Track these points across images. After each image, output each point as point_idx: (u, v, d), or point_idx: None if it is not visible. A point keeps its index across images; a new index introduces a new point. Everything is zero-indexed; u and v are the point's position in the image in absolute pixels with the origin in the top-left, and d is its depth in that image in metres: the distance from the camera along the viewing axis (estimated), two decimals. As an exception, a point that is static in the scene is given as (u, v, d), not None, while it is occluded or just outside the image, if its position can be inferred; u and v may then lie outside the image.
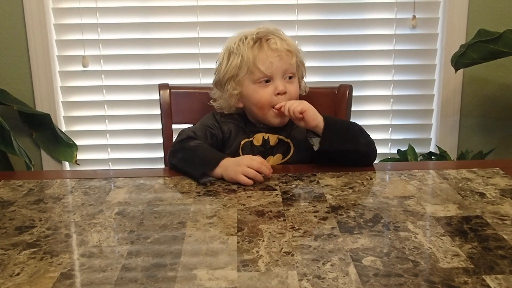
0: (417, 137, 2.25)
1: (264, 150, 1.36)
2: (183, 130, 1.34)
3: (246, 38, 1.34)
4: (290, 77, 1.34)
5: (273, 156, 1.36)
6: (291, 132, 1.36)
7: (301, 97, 1.43)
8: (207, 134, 1.34)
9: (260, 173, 1.16)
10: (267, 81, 1.32)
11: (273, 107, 1.31)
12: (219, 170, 1.18)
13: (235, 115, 1.41)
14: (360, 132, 1.27)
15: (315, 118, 1.23)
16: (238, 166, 1.16)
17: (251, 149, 1.35)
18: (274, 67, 1.30)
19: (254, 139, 1.36)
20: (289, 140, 1.36)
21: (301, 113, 1.23)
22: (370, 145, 1.28)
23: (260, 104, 1.33)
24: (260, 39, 1.33)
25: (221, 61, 1.37)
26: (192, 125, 1.42)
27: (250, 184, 1.14)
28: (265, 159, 1.35)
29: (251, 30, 1.37)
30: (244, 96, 1.35)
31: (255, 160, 1.16)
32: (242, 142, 1.36)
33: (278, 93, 1.31)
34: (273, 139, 1.36)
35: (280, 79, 1.32)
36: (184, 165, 1.23)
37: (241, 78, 1.33)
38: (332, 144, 1.23)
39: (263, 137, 1.36)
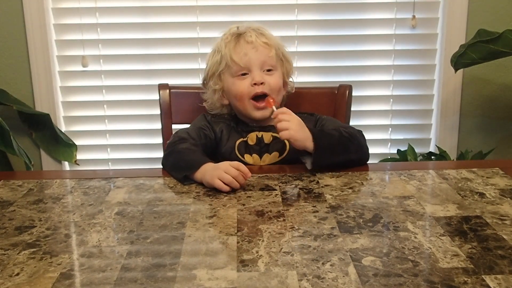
0: (416, 137, 2.25)
1: (260, 149, 1.36)
2: (177, 132, 1.34)
3: (226, 35, 1.39)
4: (269, 70, 1.35)
5: (270, 154, 1.36)
6: None
7: (290, 96, 1.43)
8: (201, 135, 1.34)
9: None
10: (244, 74, 1.34)
11: (252, 99, 1.33)
12: (198, 175, 1.16)
13: (225, 115, 1.42)
14: (350, 141, 1.25)
15: (303, 144, 1.21)
16: (215, 170, 1.13)
17: (247, 149, 1.36)
18: (249, 58, 1.33)
19: (249, 139, 1.36)
20: None
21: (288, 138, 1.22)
22: (362, 148, 1.28)
23: (239, 96, 1.34)
24: (240, 35, 1.36)
25: (207, 61, 1.42)
26: (188, 126, 1.42)
27: (226, 190, 1.10)
28: (261, 157, 1.35)
29: (236, 25, 1.40)
30: (226, 91, 1.39)
31: (233, 167, 1.12)
32: (237, 142, 1.36)
33: (254, 84, 1.32)
34: (267, 137, 1.36)
35: (257, 71, 1.33)
36: (171, 168, 1.23)
37: (221, 73, 1.37)
38: (324, 162, 1.22)
39: (256, 135, 1.36)
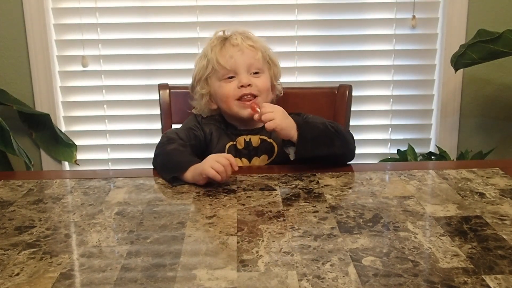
0: (416, 137, 2.25)
1: (248, 152, 1.36)
2: (166, 132, 1.35)
3: (212, 39, 1.39)
4: (256, 72, 1.34)
5: (259, 157, 1.36)
6: (272, 133, 1.33)
7: (278, 100, 1.43)
8: (190, 135, 1.34)
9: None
10: (231, 77, 1.34)
11: (239, 100, 1.32)
12: (188, 174, 1.16)
13: (216, 117, 1.41)
14: (335, 135, 1.25)
15: (288, 132, 1.22)
16: (205, 162, 1.14)
17: (236, 153, 1.35)
18: (234, 60, 1.33)
19: (237, 143, 1.36)
20: (271, 140, 1.36)
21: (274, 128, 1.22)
22: (347, 145, 1.27)
23: (225, 98, 1.34)
24: (226, 38, 1.37)
25: (194, 66, 1.43)
26: (180, 125, 1.42)
27: (218, 178, 1.12)
28: (250, 161, 1.36)
29: (222, 29, 1.40)
30: (213, 94, 1.38)
31: (223, 157, 1.14)
32: (227, 146, 1.36)
33: (241, 86, 1.32)
34: (255, 140, 1.36)
35: (244, 73, 1.33)
36: (161, 169, 1.23)
37: (208, 77, 1.37)
38: (307, 153, 1.22)
39: (244, 139, 1.36)
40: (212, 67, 1.35)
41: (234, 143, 1.36)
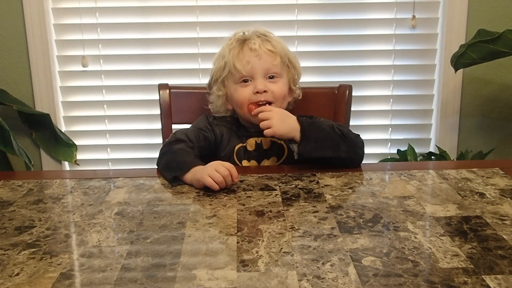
0: (416, 137, 2.25)
1: (258, 154, 1.36)
2: (175, 132, 1.34)
3: (231, 40, 1.37)
4: (272, 77, 1.33)
5: (268, 159, 1.36)
6: None
7: (296, 102, 1.43)
8: (200, 137, 1.33)
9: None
10: (246, 81, 1.33)
11: (250, 105, 1.31)
12: (189, 175, 1.15)
13: (228, 118, 1.41)
14: (341, 139, 1.23)
15: (289, 136, 1.22)
16: (205, 168, 1.13)
17: (245, 154, 1.35)
18: (251, 66, 1.31)
19: (247, 144, 1.36)
20: (282, 142, 1.35)
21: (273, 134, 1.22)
22: (354, 149, 1.25)
23: (240, 103, 1.33)
24: (244, 41, 1.35)
25: (213, 64, 1.41)
26: (190, 125, 1.42)
27: (216, 188, 1.10)
28: (259, 163, 1.35)
29: (242, 30, 1.39)
30: (229, 97, 1.38)
31: (224, 166, 1.12)
32: (237, 147, 1.36)
33: (257, 92, 1.31)
34: (265, 142, 1.36)
35: (260, 79, 1.32)
36: (163, 168, 1.23)
37: (225, 79, 1.36)
38: (311, 153, 1.22)
39: (255, 141, 1.36)
40: (229, 70, 1.34)
41: (244, 144, 1.36)
